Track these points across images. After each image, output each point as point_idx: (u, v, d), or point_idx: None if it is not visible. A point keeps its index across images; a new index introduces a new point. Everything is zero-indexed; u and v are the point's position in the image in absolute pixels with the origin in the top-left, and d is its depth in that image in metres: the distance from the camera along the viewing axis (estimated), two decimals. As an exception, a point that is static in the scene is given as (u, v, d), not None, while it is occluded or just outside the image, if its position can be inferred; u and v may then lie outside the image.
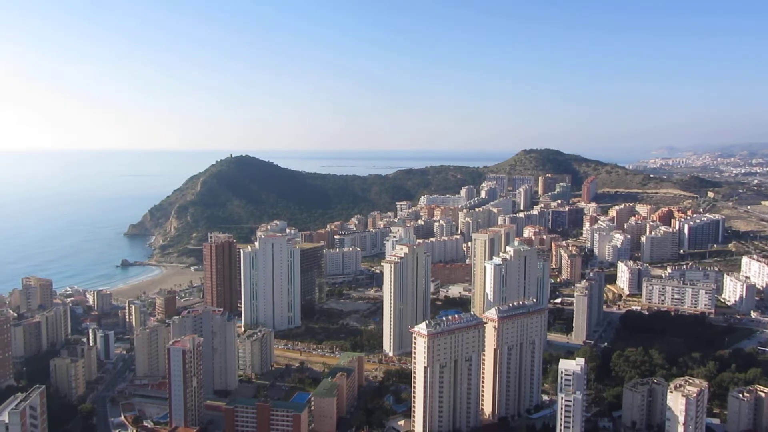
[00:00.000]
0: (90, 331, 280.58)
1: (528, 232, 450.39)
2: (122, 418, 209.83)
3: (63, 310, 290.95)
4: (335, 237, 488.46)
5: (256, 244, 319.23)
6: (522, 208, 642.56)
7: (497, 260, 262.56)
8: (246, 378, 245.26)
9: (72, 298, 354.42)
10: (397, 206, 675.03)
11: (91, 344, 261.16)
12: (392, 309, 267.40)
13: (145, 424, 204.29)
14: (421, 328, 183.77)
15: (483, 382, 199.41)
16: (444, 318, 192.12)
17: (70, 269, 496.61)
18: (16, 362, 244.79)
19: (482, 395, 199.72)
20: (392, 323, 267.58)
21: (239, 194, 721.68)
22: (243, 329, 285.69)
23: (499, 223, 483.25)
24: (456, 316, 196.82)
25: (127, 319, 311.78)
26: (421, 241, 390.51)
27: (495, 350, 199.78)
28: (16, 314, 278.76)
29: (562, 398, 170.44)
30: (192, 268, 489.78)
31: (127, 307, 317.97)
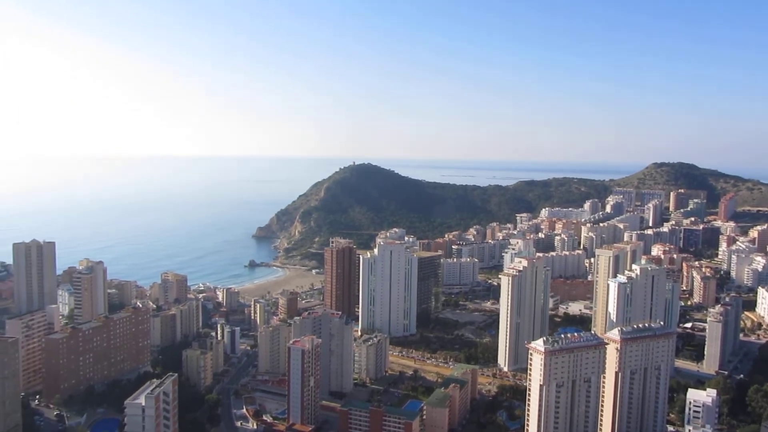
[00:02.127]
0: (218, 326, 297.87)
1: (657, 250, 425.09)
2: (244, 410, 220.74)
3: (196, 305, 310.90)
4: (453, 247, 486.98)
5: (376, 250, 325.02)
6: (651, 224, 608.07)
7: (622, 278, 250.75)
8: (360, 382, 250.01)
9: (204, 294, 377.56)
10: (517, 218, 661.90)
11: (219, 338, 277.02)
12: (509, 323, 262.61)
13: (264, 418, 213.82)
14: (539, 344, 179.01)
15: (602, 406, 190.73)
16: (562, 335, 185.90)
17: (204, 267, 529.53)
18: (153, 350, 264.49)
19: (601, 420, 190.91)
20: (508, 337, 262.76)
21: (360, 201, 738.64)
22: (359, 333, 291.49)
23: (625, 239, 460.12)
24: (575, 334, 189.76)
25: (252, 317, 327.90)
26: (541, 254, 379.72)
27: (616, 373, 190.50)
28: (155, 306, 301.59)
29: (689, 431, 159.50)
30: (314, 271, 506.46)
31: (252, 306, 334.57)
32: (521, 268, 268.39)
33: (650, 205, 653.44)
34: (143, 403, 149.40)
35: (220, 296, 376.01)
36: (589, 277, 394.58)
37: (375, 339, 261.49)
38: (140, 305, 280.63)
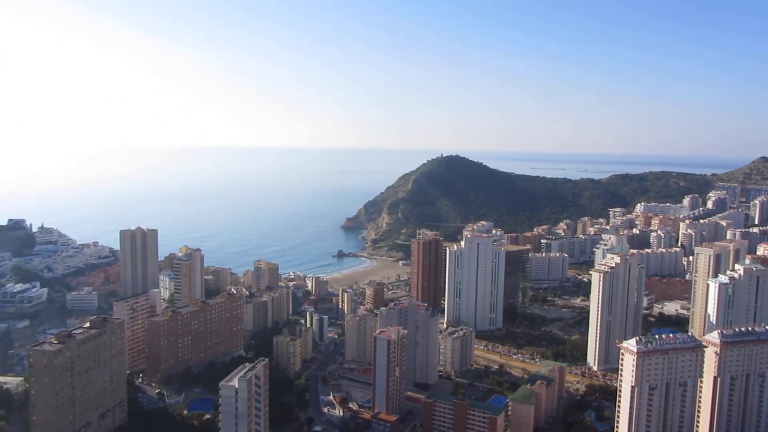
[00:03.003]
0: (308, 313, 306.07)
1: (763, 249, 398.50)
2: (331, 397, 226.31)
3: (286, 293, 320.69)
4: (542, 241, 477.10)
5: (462, 243, 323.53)
6: (757, 222, 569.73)
7: (723, 278, 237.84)
8: (445, 374, 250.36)
9: (294, 283, 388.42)
10: (610, 213, 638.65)
11: (308, 326, 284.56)
12: (599, 321, 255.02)
13: (350, 405, 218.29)
14: (631, 344, 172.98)
15: (698, 412, 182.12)
16: (657, 336, 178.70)
17: (295, 257, 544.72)
18: (246, 335, 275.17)
19: (696, 427, 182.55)
20: (598, 336, 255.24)
21: (448, 193, 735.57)
22: (445, 326, 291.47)
23: (728, 237, 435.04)
24: (671, 335, 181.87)
25: (340, 306, 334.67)
26: (635, 251, 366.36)
27: (715, 378, 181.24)
28: (248, 293, 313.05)
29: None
30: (400, 262, 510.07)
31: (340, 295, 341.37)
32: (614, 265, 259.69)
33: (756, 201, 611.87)
34: (236, 386, 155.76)
35: (310, 285, 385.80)
36: (687, 276, 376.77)
37: (460, 332, 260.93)
38: (234, 291, 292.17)
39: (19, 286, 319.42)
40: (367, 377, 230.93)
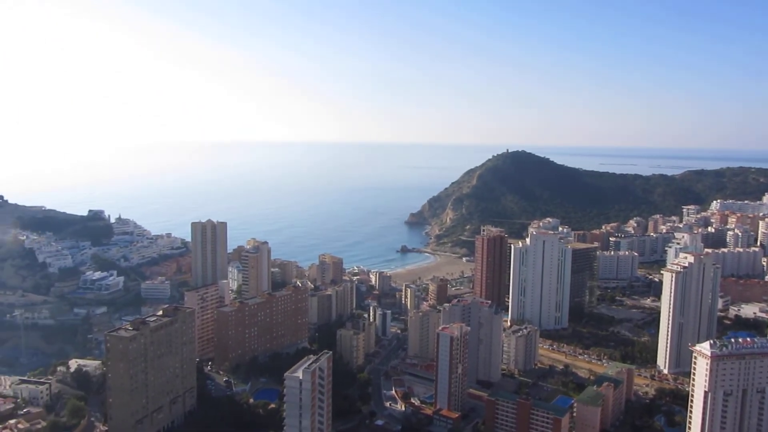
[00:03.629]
0: (371, 308, 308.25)
1: None
2: (393, 392, 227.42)
3: (350, 287, 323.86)
4: (610, 239, 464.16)
5: (528, 240, 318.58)
6: None
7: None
8: (508, 373, 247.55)
9: (358, 277, 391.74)
10: (684, 210, 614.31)
11: (371, 320, 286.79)
12: (671, 322, 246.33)
13: (412, 401, 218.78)
14: (704, 347, 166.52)
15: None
16: (732, 340, 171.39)
17: (359, 251, 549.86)
18: (310, 327, 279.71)
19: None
20: (669, 338, 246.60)
21: (513, 189, 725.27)
22: (509, 324, 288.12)
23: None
24: (748, 339, 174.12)
25: (403, 301, 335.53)
26: (709, 250, 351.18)
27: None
28: (313, 286, 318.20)
29: None
30: (464, 258, 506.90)
31: (403, 290, 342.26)
32: (687, 264, 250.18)
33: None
34: (301, 377, 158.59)
35: (373, 279, 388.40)
36: (767, 278, 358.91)
37: (525, 330, 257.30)
38: (300, 284, 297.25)
39: (97, 274, 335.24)
40: (429, 373, 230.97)
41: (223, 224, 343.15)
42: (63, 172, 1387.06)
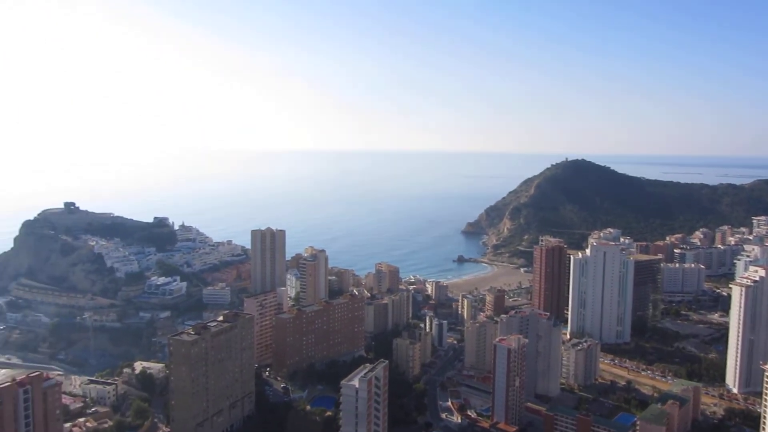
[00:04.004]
0: (427, 318, 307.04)
1: None
2: (449, 403, 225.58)
3: (406, 296, 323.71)
4: (675, 251, 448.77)
5: (588, 251, 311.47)
6: None
7: None
8: (567, 387, 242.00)
9: (414, 286, 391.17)
10: (754, 221, 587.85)
11: (427, 330, 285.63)
12: (740, 339, 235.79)
13: (469, 413, 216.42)
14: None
15: None
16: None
17: (416, 260, 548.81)
18: (366, 336, 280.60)
19: None
20: (739, 355, 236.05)
21: (572, 199, 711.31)
22: (568, 337, 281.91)
23: None
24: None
25: (460, 311, 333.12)
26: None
27: None
28: (369, 294, 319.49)
29: None
30: (522, 269, 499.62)
31: (460, 300, 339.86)
32: (758, 278, 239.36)
33: None
34: (357, 385, 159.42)
35: (429, 289, 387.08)
36: None
37: (585, 344, 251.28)
38: (356, 293, 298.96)
39: (162, 279, 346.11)
40: (486, 385, 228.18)
41: (282, 232, 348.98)
42: (114, 178, 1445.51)
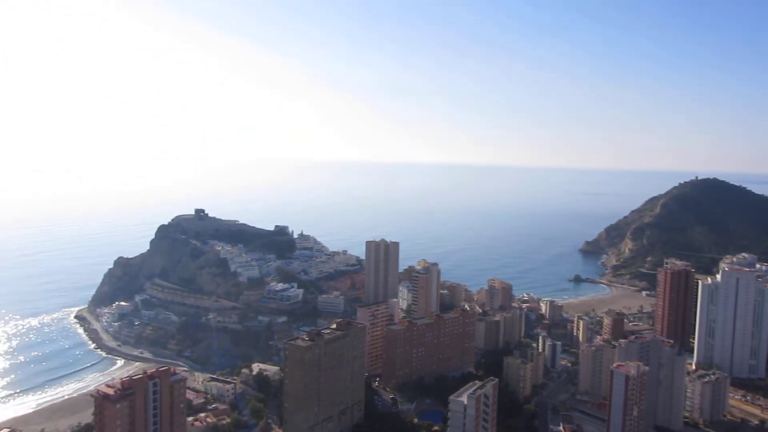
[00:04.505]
0: (540, 338, 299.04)
1: None
2: (561, 428, 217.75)
3: (519, 314, 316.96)
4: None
5: (718, 276, 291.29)
6: None
7: None
8: (691, 422, 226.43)
9: (527, 305, 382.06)
10: None
11: (540, 350, 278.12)
12: None
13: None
14: None
15: None
16: None
17: (530, 278, 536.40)
18: (476, 352, 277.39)
19: None
20: None
21: (702, 220, 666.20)
22: (693, 367, 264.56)
23: None
24: None
25: (575, 333, 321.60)
26: None
27: None
28: (481, 310, 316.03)
29: None
30: (643, 292, 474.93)
31: (575, 322, 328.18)
32: None
33: None
34: (466, 402, 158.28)
35: (543, 308, 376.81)
36: None
37: (712, 376, 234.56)
38: (468, 308, 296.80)
39: (280, 286, 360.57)
40: (601, 412, 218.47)
41: (396, 244, 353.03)
42: (202, 184, 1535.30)
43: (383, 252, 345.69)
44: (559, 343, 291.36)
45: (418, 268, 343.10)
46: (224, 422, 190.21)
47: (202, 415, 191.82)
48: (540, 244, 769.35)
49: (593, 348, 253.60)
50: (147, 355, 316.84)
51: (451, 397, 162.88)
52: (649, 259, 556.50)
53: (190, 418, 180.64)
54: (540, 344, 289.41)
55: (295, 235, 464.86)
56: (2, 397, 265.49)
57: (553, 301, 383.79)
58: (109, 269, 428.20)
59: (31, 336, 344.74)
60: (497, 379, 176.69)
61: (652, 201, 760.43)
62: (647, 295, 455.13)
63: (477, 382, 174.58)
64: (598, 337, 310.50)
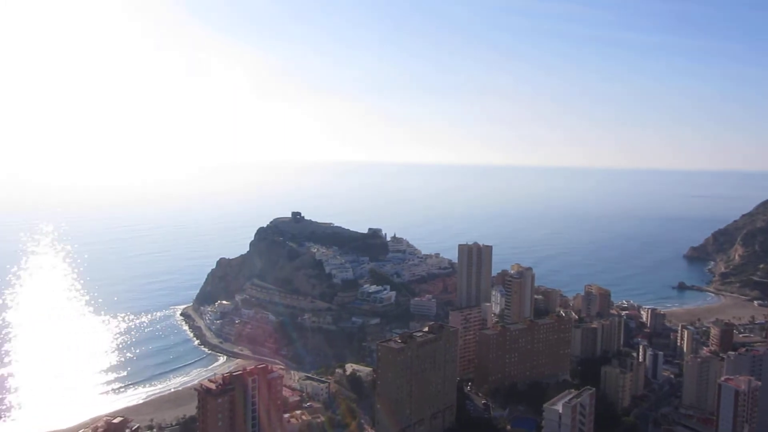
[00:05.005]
0: (640, 347, 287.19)
1: None
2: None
3: (618, 322, 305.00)
4: None
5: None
6: None
7: None
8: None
9: (627, 312, 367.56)
10: None
11: (640, 360, 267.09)
12: None
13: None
14: None
15: None
16: None
17: (630, 284, 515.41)
18: (572, 360, 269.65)
19: None
20: None
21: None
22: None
23: None
24: None
25: (678, 343, 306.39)
26: None
27: None
28: (577, 317, 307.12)
29: None
30: (755, 302, 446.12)
31: (679, 331, 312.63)
32: None
33: None
34: (561, 411, 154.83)
35: (644, 316, 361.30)
36: None
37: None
38: (563, 314, 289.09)
39: (373, 288, 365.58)
40: (706, 428, 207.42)
41: (489, 248, 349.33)
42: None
43: (476, 255, 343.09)
44: (661, 353, 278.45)
45: (512, 272, 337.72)
46: (318, 420, 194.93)
47: (298, 412, 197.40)
48: (639, 248, 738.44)
49: (699, 360, 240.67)
50: (246, 352, 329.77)
51: (546, 405, 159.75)
52: (761, 266, 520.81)
53: (285, 415, 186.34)
54: (640, 354, 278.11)
55: (388, 238, 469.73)
56: (116, 389, 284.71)
57: (655, 309, 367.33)
58: (212, 269, 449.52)
59: (143, 332, 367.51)
60: (594, 389, 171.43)
61: (766, 204, 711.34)
62: (759, 305, 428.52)
63: (573, 390, 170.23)
64: (705, 348, 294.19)
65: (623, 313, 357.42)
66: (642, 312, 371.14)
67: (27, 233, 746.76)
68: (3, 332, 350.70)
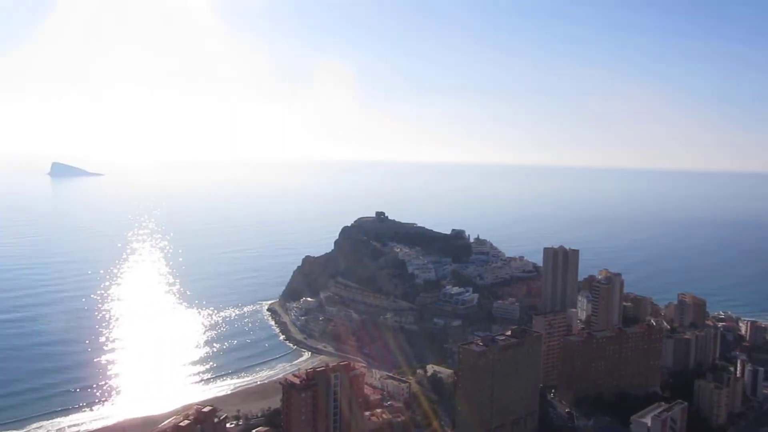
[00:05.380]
0: (738, 361, 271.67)
1: None
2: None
3: (713, 333, 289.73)
4: None
5: None
6: None
7: None
8: None
9: (723, 324, 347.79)
10: None
11: (738, 375, 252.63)
12: None
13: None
14: None
15: None
16: None
17: (728, 294, 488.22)
18: (663, 372, 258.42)
19: None
20: None
21: None
22: None
23: None
24: None
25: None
26: None
27: None
28: (668, 327, 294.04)
29: None
30: None
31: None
32: None
33: None
34: (649, 424, 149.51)
35: (743, 329, 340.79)
36: None
37: None
38: (654, 323, 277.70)
39: (456, 289, 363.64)
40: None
41: (575, 252, 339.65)
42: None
43: (562, 259, 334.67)
44: (762, 369, 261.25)
45: (600, 277, 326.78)
46: (399, 419, 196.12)
47: (378, 410, 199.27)
48: (737, 257, 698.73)
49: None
50: (329, 349, 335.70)
51: (634, 417, 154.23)
52: None
53: (366, 413, 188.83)
54: (738, 368, 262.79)
55: (471, 240, 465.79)
56: (206, 379, 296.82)
57: (756, 322, 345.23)
58: (298, 267, 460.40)
59: (232, 326, 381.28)
60: (686, 403, 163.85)
61: None
62: None
63: (663, 403, 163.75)
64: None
65: (720, 324, 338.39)
66: (741, 324, 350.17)
67: (130, 228, 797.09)
68: (107, 323, 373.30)
